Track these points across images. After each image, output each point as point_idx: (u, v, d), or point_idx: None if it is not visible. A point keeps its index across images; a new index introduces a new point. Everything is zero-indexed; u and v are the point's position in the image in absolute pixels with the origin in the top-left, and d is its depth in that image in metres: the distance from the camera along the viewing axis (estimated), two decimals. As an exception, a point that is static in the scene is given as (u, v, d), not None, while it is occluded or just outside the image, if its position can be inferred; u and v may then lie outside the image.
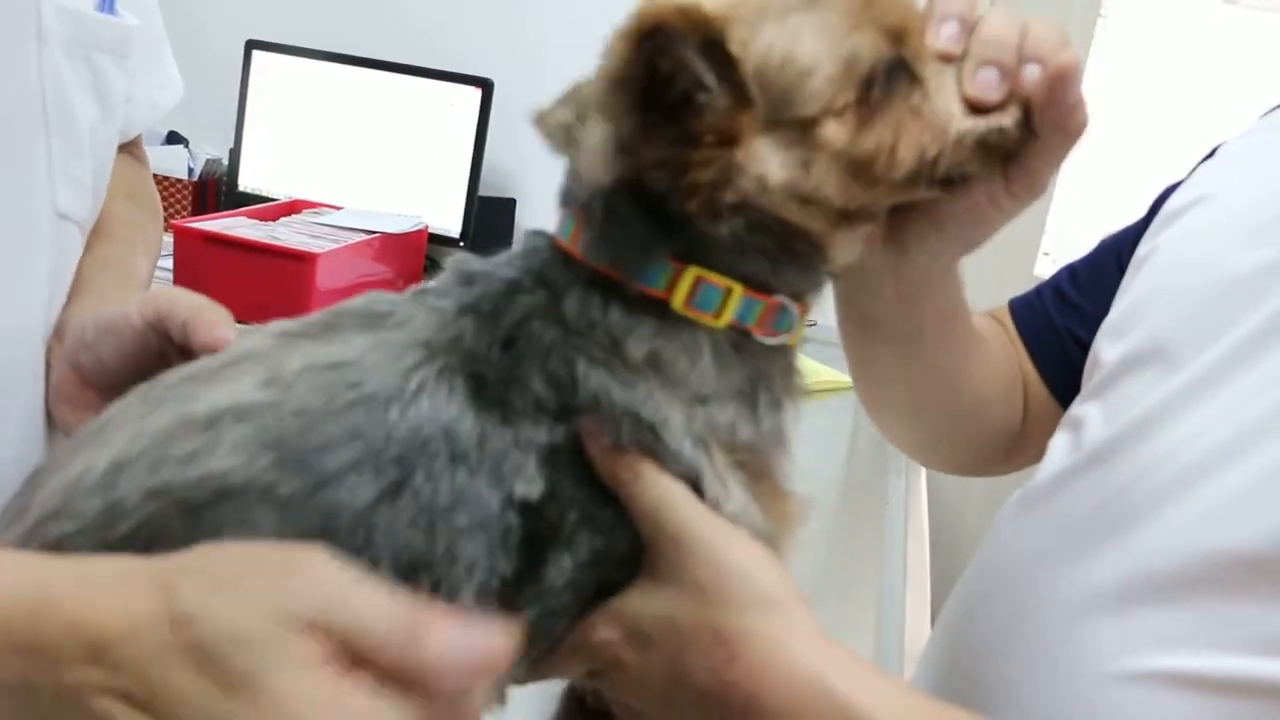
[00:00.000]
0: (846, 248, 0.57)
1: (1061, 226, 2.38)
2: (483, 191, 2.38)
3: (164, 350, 0.63)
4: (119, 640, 0.41)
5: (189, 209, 2.47)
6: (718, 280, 0.54)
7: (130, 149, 0.84)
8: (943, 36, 0.55)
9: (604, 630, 0.53)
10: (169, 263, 1.97)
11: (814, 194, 0.53)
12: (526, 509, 0.51)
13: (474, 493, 0.50)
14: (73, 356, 0.67)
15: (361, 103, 2.41)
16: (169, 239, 2.00)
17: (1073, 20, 2.21)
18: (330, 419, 0.49)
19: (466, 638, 0.41)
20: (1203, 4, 2.33)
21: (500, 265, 0.56)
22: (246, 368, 0.52)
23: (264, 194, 2.46)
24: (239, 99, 2.45)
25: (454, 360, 0.52)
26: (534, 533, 0.51)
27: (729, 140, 0.51)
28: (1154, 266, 0.75)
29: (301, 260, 1.97)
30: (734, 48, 0.50)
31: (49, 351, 0.69)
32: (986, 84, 0.55)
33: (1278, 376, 0.60)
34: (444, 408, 0.50)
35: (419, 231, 2.32)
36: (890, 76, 0.53)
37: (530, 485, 0.51)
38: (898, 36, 0.54)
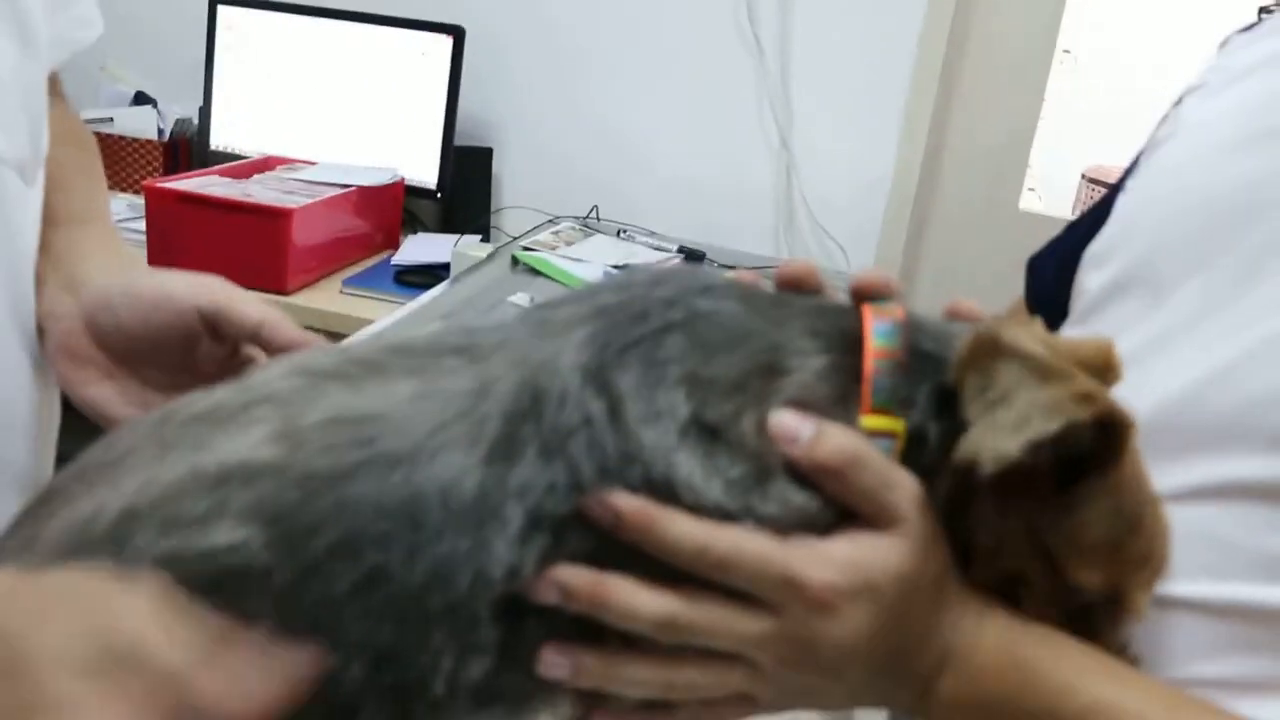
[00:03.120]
0: None
1: (1045, 162, 2.37)
2: (458, 141, 2.35)
3: (195, 335, 0.65)
4: None
5: (160, 170, 2.43)
6: (897, 440, 0.53)
7: (49, 87, 0.82)
8: None
9: (826, 573, 0.50)
10: (141, 224, 1.94)
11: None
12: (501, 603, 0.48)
13: (448, 568, 0.47)
14: (90, 314, 0.67)
15: (331, 55, 2.37)
16: (140, 201, 1.97)
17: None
18: (328, 489, 0.46)
19: (262, 661, 0.43)
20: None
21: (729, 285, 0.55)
22: (263, 413, 0.49)
23: (236, 152, 2.42)
24: (206, 56, 2.41)
25: (506, 391, 0.49)
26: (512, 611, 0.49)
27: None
28: (1135, 194, 0.74)
29: (276, 216, 1.94)
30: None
31: (56, 303, 0.68)
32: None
33: (1262, 309, 0.60)
34: (457, 462, 0.47)
35: (395, 184, 2.29)
36: None
37: (510, 550, 0.47)
38: None
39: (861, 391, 0.52)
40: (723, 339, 0.51)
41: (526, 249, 2.11)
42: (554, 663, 0.49)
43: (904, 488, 0.51)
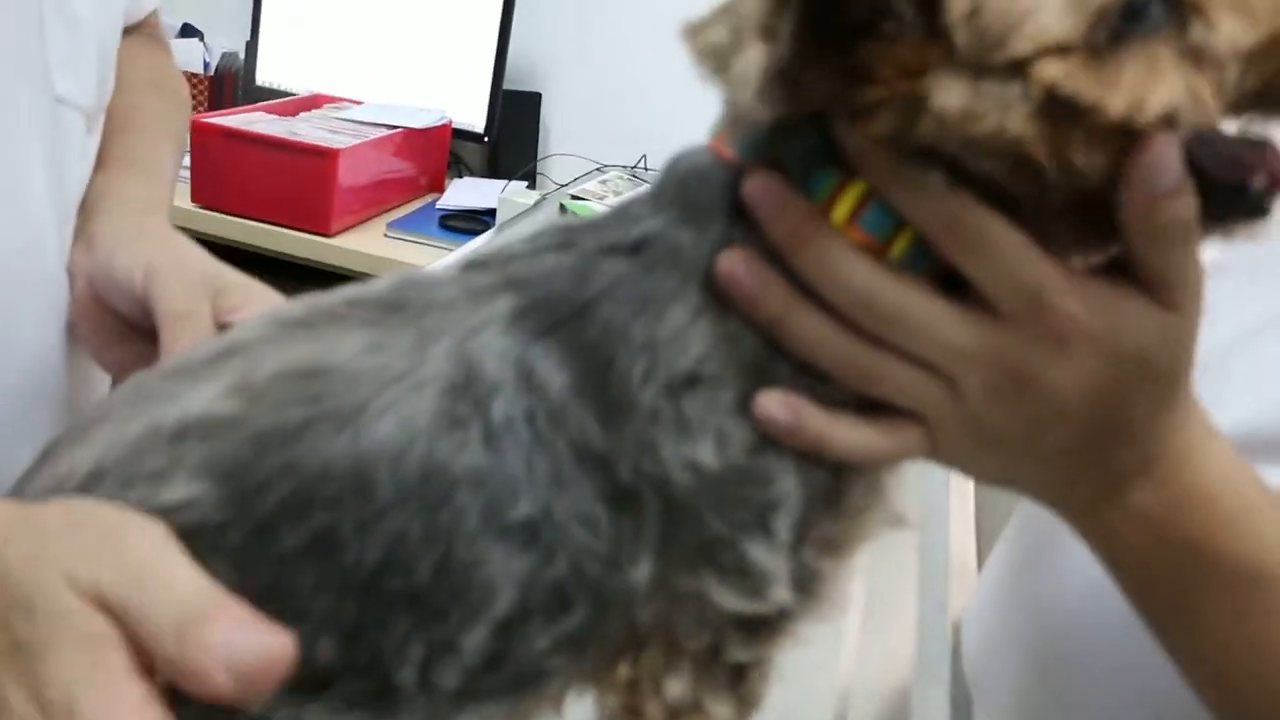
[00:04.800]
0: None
1: None
2: (507, 85, 2.30)
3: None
4: None
5: (205, 105, 2.41)
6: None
7: (145, 29, 0.79)
8: None
9: (1077, 303, 0.43)
10: (187, 160, 1.93)
11: (1009, 141, 0.42)
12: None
13: (405, 551, 0.43)
14: (92, 277, 0.63)
15: (381, -8, 2.33)
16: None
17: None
18: (279, 447, 0.43)
19: (246, 637, 0.36)
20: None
21: (616, 219, 0.49)
22: (228, 365, 0.46)
23: (282, 89, 2.39)
24: (254, -11, 2.38)
25: (441, 357, 0.45)
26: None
27: (912, 73, 0.41)
28: None
29: (323, 156, 1.91)
30: None
31: (75, 259, 0.65)
32: None
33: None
34: (401, 428, 0.44)
35: (442, 126, 2.26)
36: (1143, 11, 0.41)
37: (471, 551, 0.44)
38: None
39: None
40: (646, 296, 0.46)
41: (574, 198, 2.08)
42: (775, 414, 0.45)
43: (1199, 268, 0.44)
